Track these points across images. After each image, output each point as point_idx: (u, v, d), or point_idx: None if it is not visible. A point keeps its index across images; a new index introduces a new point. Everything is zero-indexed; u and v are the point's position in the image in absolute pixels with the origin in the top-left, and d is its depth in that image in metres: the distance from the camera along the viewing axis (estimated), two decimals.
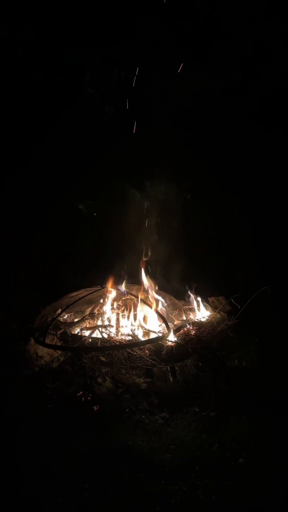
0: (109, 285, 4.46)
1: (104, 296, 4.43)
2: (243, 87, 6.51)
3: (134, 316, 4.19)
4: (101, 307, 4.34)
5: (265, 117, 6.58)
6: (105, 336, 3.77)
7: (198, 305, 4.58)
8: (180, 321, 4.20)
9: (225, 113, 6.45)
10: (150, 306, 4.10)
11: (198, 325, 4.11)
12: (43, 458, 2.71)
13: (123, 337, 3.81)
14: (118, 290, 4.41)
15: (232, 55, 6.15)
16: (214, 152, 6.51)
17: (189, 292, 4.71)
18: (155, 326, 4.04)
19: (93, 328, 3.98)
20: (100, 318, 4.15)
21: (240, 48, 6.15)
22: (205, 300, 4.72)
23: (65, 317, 4.30)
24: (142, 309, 4.23)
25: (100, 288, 4.45)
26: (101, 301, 4.40)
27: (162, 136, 6.23)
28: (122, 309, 4.25)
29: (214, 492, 2.39)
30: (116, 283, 4.47)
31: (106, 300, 4.38)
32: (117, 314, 4.20)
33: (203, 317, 4.35)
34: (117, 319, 4.11)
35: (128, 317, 4.16)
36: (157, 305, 4.29)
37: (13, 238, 5.88)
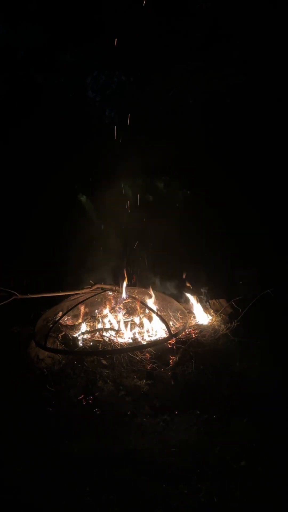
0: (110, 288, 4.45)
1: (105, 299, 4.43)
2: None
3: (135, 319, 4.19)
4: (102, 310, 4.34)
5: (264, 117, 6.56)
6: (106, 339, 3.77)
7: (199, 308, 4.57)
8: (181, 324, 4.19)
9: (227, 113, 6.43)
10: (152, 309, 4.09)
11: (200, 328, 4.11)
12: (43, 461, 2.71)
13: (124, 340, 3.81)
14: (119, 293, 4.41)
15: (234, 56, 6.12)
16: (215, 151, 6.49)
17: (190, 295, 4.70)
18: (157, 329, 4.03)
19: (95, 331, 3.98)
20: (101, 321, 4.15)
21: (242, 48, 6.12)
22: (206, 302, 4.71)
23: (66, 319, 4.30)
24: (143, 312, 4.22)
25: (101, 291, 4.45)
26: (103, 304, 4.40)
27: (162, 136, 6.23)
28: (124, 312, 4.25)
29: (216, 495, 2.38)
30: (118, 286, 4.47)
31: (107, 303, 4.38)
32: (118, 317, 4.20)
33: (205, 320, 4.34)
34: (118, 322, 4.11)
35: (129, 320, 4.15)
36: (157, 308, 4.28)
37: (12, 239, 5.89)
